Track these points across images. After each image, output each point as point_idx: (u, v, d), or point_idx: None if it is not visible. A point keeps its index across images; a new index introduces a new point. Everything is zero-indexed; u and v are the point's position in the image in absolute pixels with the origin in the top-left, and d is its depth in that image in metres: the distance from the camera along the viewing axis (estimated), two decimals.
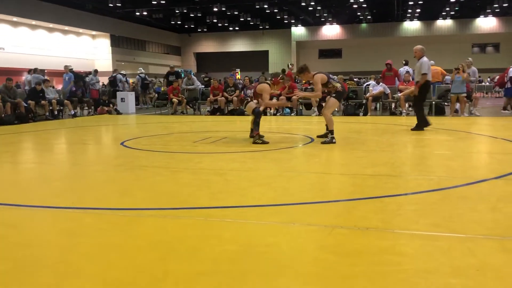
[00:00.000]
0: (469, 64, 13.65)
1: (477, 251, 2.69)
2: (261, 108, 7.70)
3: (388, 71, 14.69)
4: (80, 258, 2.71)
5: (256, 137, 7.34)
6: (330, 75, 7.57)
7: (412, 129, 8.93)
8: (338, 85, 7.49)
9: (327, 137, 7.37)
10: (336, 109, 13.66)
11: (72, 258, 2.71)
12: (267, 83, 7.73)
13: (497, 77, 24.21)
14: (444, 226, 3.15)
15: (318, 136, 7.93)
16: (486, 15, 37.16)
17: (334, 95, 7.45)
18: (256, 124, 7.41)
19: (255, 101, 7.65)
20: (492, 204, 3.70)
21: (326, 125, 7.68)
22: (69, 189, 4.55)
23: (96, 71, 17.75)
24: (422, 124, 8.95)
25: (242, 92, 7.70)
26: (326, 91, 7.59)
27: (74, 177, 5.27)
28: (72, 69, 16.78)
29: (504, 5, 31.90)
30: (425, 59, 9.02)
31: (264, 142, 7.25)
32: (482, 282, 2.29)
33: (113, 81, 18.15)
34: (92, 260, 2.68)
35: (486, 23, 38.48)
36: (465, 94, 12.33)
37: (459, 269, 2.44)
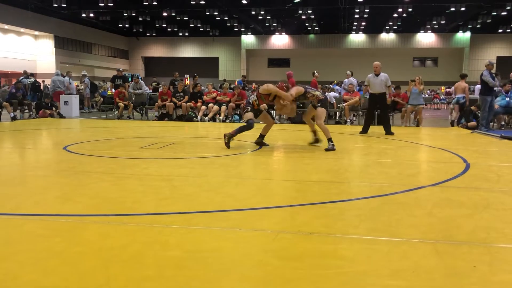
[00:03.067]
0: (348, 75, 14.72)
1: (412, 254, 2.84)
2: (291, 95, 7.51)
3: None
4: (18, 266, 2.61)
5: (229, 135, 7.38)
6: (307, 86, 7.78)
7: (387, 134, 10.20)
8: (318, 93, 7.68)
9: (328, 145, 7.50)
10: (283, 117, 13.94)
11: (10, 266, 2.61)
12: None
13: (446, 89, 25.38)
14: (383, 231, 3.30)
15: (309, 144, 8.10)
16: (425, 30, 39.14)
17: (319, 104, 7.62)
18: (239, 129, 7.45)
19: (264, 105, 7.59)
20: (428, 209, 3.91)
21: (313, 131, 7.98)
22: (7, 195, 4.36)
23: (68, 73, 17.45)
24: (369, 128, 10.51)
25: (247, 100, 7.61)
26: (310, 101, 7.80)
27: (12, 182, 5.05)
28: None
29: (441, 22, 33.79)
30: (384, 73, 10.37)
31: (226, 144, 7.36)
32: (416, 283, 2.43)
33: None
34: (31, 268, 2.59)
35: (426, 39, 40.53)
36: (422, 106, 12.92)
37: (396, 271, 2.57)
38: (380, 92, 10.33)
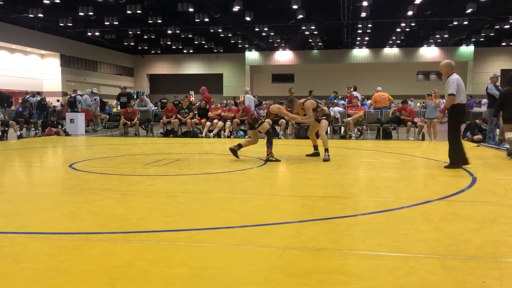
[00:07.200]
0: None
1: (420, 270, 2.81)
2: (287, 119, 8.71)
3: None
4: (24, 284, 2.61)
5: (270, 155, 7.93)
6: (317, 100, 8.59)
7: (445, 167, 7.24)
8: (326, 108, 8.66)
9: (324, 155, 8.14)
10: (289, 132, 13.98)
11: (16, 284, 2.61)
12: (280, 103, 8.66)
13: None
14: (390, 246, 3.28)
15: (307, 155, 8.74)
16: (429, 44, 39.27)
17: (324, 117, 8.40)
18: (269, 144, 7.98)
19: (268, 120, 8.54)
20: (435, 224, 3.88)
21: (314, 145, 8.76)
22: (13, 212, 4.37)
23: (92, 92, 17.53)
24: (456, 161, 7.14)
25: (255, 112, 8.31)
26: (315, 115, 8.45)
27: (18, 200, 5.06)
28: None
29: (445, 36, 33.92)
30: (454, 76, 7.09)
31: (277, 160, 7.90)
32: None
33: (73, 102, 17.53)
34: (37, 286, 2.59)
35: (429, 53, 40.63)
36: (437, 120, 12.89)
37: (403, 287, 2.54)
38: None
